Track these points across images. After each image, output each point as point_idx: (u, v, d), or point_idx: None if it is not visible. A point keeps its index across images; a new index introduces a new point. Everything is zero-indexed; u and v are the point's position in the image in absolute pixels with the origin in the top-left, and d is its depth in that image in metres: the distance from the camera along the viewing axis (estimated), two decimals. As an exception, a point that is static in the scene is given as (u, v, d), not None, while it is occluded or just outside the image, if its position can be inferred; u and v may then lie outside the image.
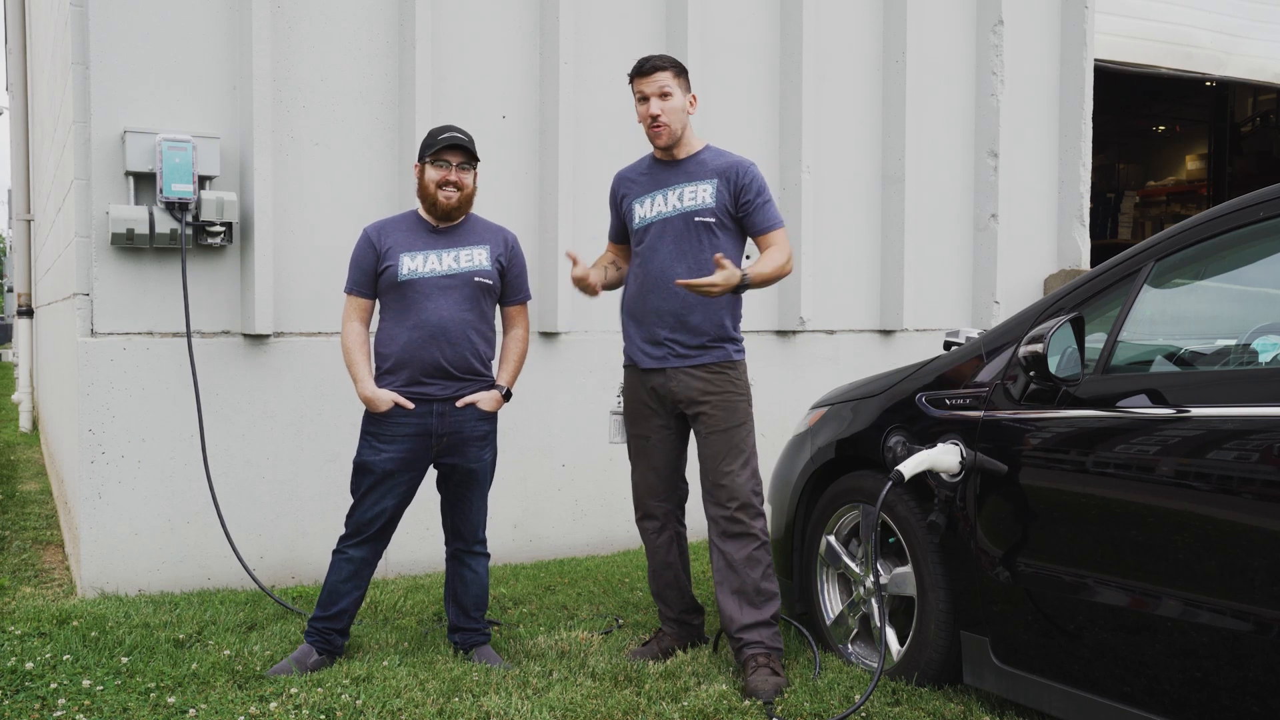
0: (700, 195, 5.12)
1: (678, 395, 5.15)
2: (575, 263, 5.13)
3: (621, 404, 5.43)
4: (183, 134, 6.47)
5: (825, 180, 8.93)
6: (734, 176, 5.11)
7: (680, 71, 5.19)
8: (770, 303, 8.65)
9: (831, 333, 8.92)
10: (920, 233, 9.31)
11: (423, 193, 5.25)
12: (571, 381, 7.85)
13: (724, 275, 4.79)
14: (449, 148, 5.22)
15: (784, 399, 8.56)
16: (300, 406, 6.98)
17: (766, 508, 5.61)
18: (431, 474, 5.47)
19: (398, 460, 5.13)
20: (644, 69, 5.14)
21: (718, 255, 4.83)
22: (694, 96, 5.24)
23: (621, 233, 5.44)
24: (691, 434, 5.31)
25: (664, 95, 5.10)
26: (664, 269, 5.14)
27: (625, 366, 5.37)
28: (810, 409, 5.83)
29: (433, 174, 5.20)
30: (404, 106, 7.22)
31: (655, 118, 5.12)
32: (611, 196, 5.47)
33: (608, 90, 7.84)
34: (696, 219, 5.09)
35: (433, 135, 5.30)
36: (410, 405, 5.09)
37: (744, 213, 5.11)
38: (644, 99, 5.15)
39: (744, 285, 4.88)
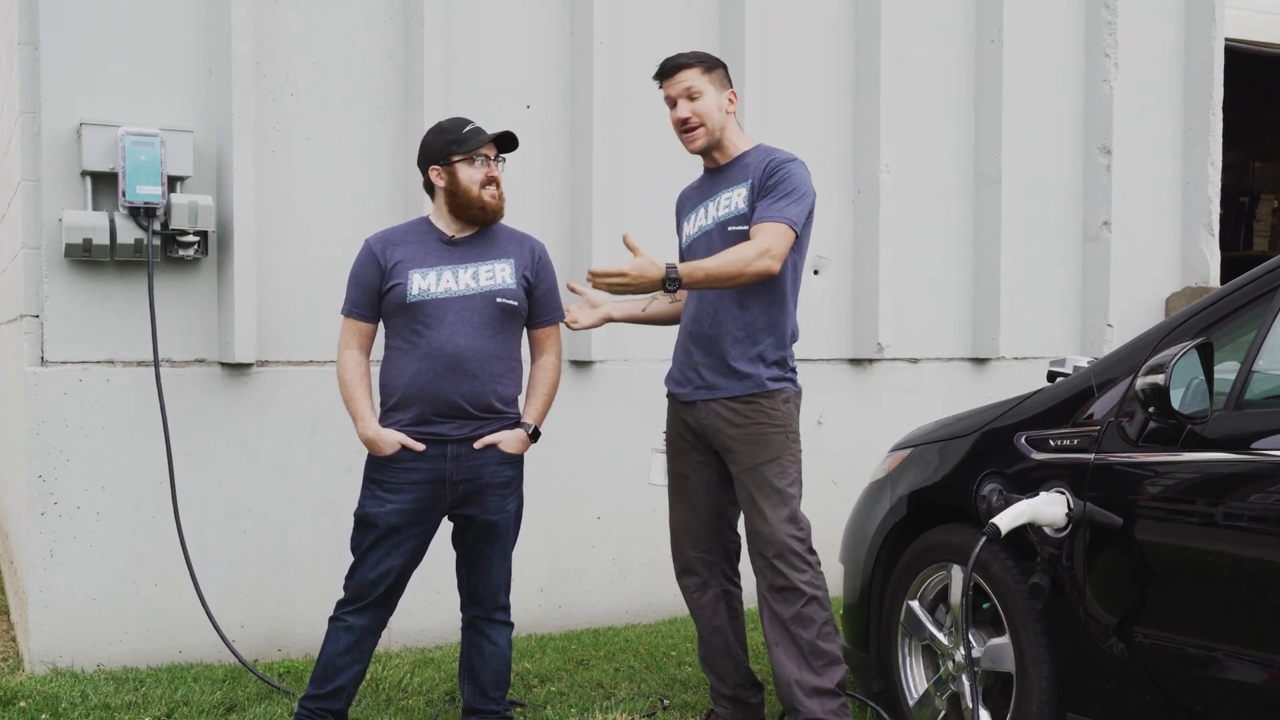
0: (734, 201, 5.25)
1: (708, 431, 5.29)
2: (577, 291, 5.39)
3: (665, 440, 5.58)
4: (149, 127, 6.48)
5: (907, 181, 8.93)
6: (763, 169, 5.21)
7: (710, 66, 5.32)
8: (843, 325, 8.69)
9: (915, 361, 8.97)
10: (1019, 243, 9.30)
11: (464, 198, 5.28)
12: (608, 418, 7.88)
13: (635, 264, 4.85)
14: (487, 140, 5.31)
15: (859, 439, 8.55)
16: (289, 448, 7.00)
17: (838, 567, 5.72)
18: (445, 529, 5.46)
19: (405, 512, 5.17)
20: (666, 70, 5.32)
21: (625, 235, 4.93)
22: (733, 92, 5.37)
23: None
24: None
25: (691, 96, 5.26)
26: (702, 291, 5.27)
27: (667, 396, 5.53)
28: (890, 451, 5.89)
29: (472, 173, 5.25)
30: (411, 94, 7.23)
31: (684, 122, 5.28)
32: (676, 218, 5.66)
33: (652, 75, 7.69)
34: (730, 229, 5.21)
35: (452, 131, 5.34)
36: (420, 447, 5.13)
37: (757, 200, 5.20)
38: (671, 103, 5.32)
39: (672, 281, 4.90)
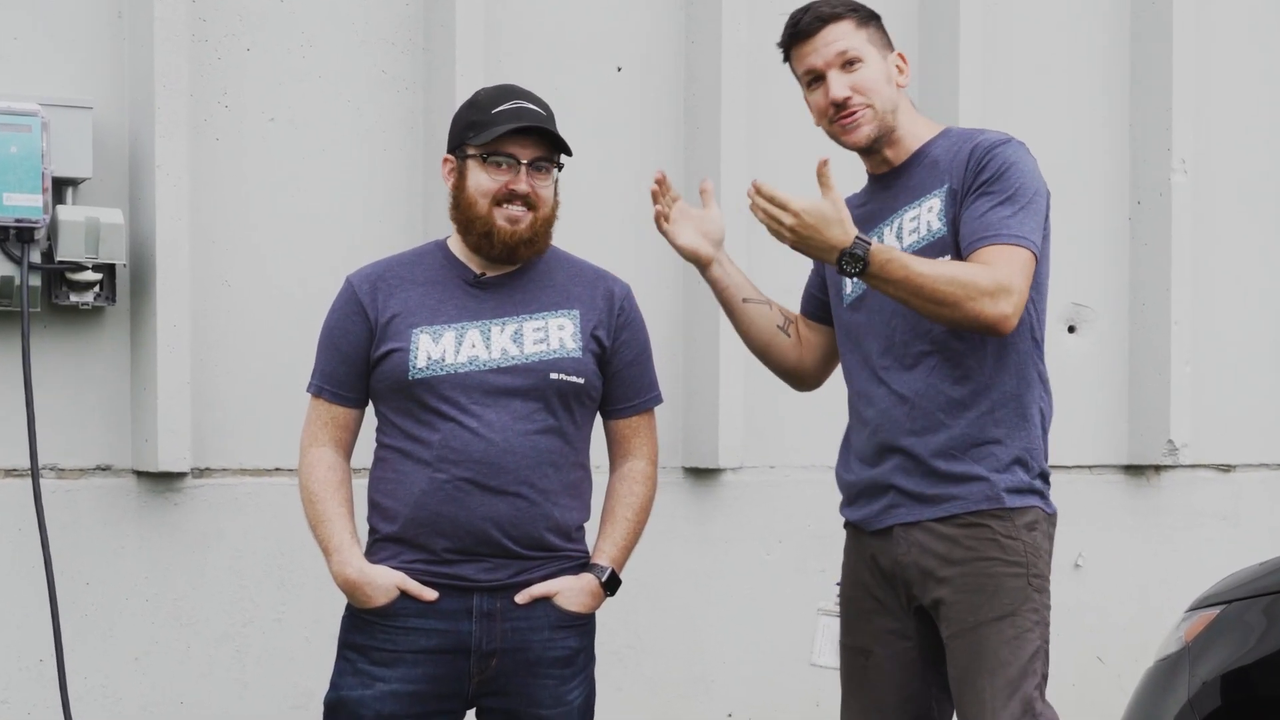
0: (927, 221, 5.05)
1: (909, 572, 5.02)
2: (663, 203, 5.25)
3: (839, 598, 5.37)
4: (23, 100, 6.32)
5: (1214, 186, 8.75)
6: (966, 161, 5.02)
7: (866, 18, 5.16)
8: (1113, 414, 8.56)
9: (1227, 469, 8.77)
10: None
11: (465, 212, 5.05)
12: (744, 558, 7.68)
13: (816, 206, 4.65)
14: (517, 131, 5.00)
15: (1138, 590, 8.45)
16: (243, 605, 6.81)
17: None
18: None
19: (405, 698, 4.93)
20: (801, 28, 5.10)
21: (823, 161, 4.72)
22: (902, 56, 5.19)
23: (818, 306, 5.44)
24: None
25: (848, 64, 5.01)
26: (880, 363, 5.06)
27: (845, 527, 5.31)
28: (1188, 610, 5.86)
29: (484, 180, 4.98)
30: (435, 50, 7.10)
31: (841, 105, 5.03)
32: None
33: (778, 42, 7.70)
34: None
35: (480, 106, 5.12)
36: (430, 595, 4.90)
37: (962, 209, 5.01)
38: (815, 78, 5.08)
39: (852, 259, 4.67)
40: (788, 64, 5.21)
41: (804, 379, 5.50)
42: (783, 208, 4.63)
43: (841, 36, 4.98)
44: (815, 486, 7.26)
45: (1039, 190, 4.96)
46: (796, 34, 5.04)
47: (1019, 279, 4.80)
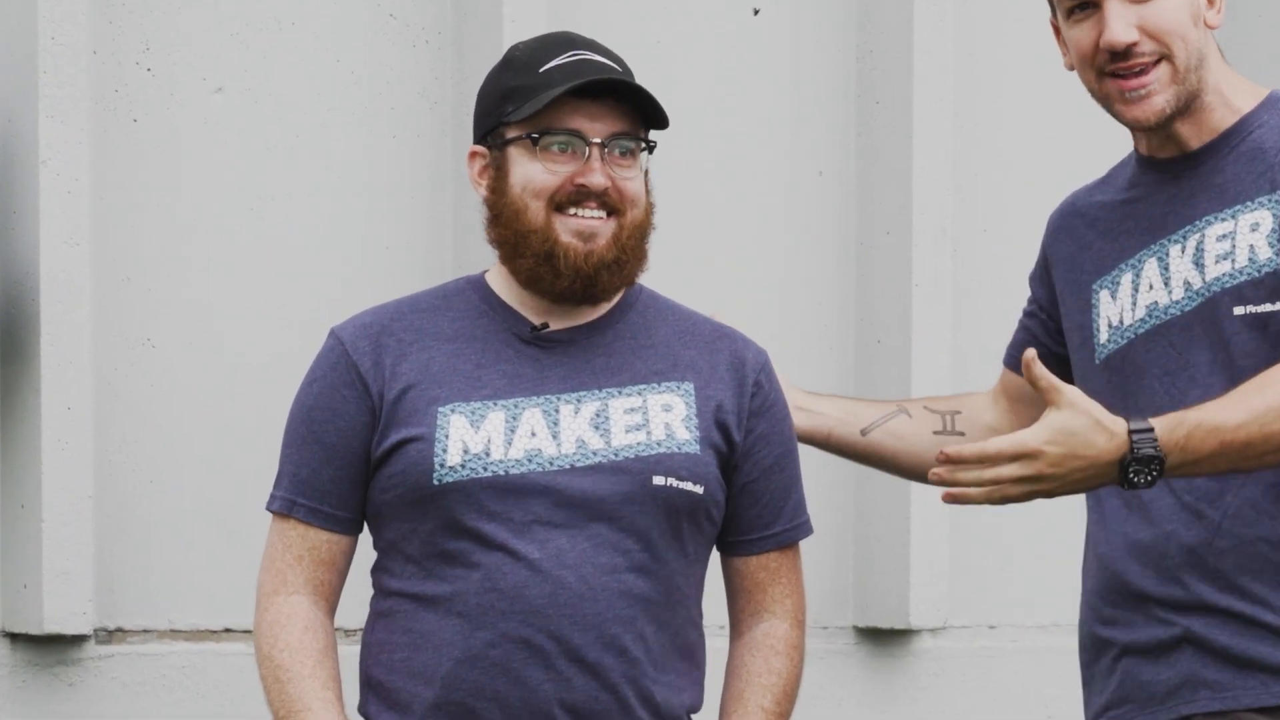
0: (1244, 243, 4.79)
1: None
2: None
3: None
4: None
5: None
6: None
7: None
8: None
9: None
10: None
11: (511, 225, 4.72)
12: None
13: (1059, 426, 4.36)
14: (581, 95, 4.72)
15: None
16: None
17: None
18: None
19: None
20: None
21: (1030, 354, 4.43)
22: None
23: (1041, 356, 4.90)
24: None
25: None
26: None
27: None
28: None
29: (535, 173, 4.70)
30: None
31: (1123, 52, 4.69)
32: (1038, 264, 5.31)
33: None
34: (1236, 311, 4.72)
35: (520, 66, 4.89)
36: None
37: None
38: (1082, 3, 4.77)
39: (1143, 466, 4.36)
40: None
41: None
42: (1015, 458, 4.22)
43: None
44: (1058, 655, 6.69)
45: None
46: None
47: None
